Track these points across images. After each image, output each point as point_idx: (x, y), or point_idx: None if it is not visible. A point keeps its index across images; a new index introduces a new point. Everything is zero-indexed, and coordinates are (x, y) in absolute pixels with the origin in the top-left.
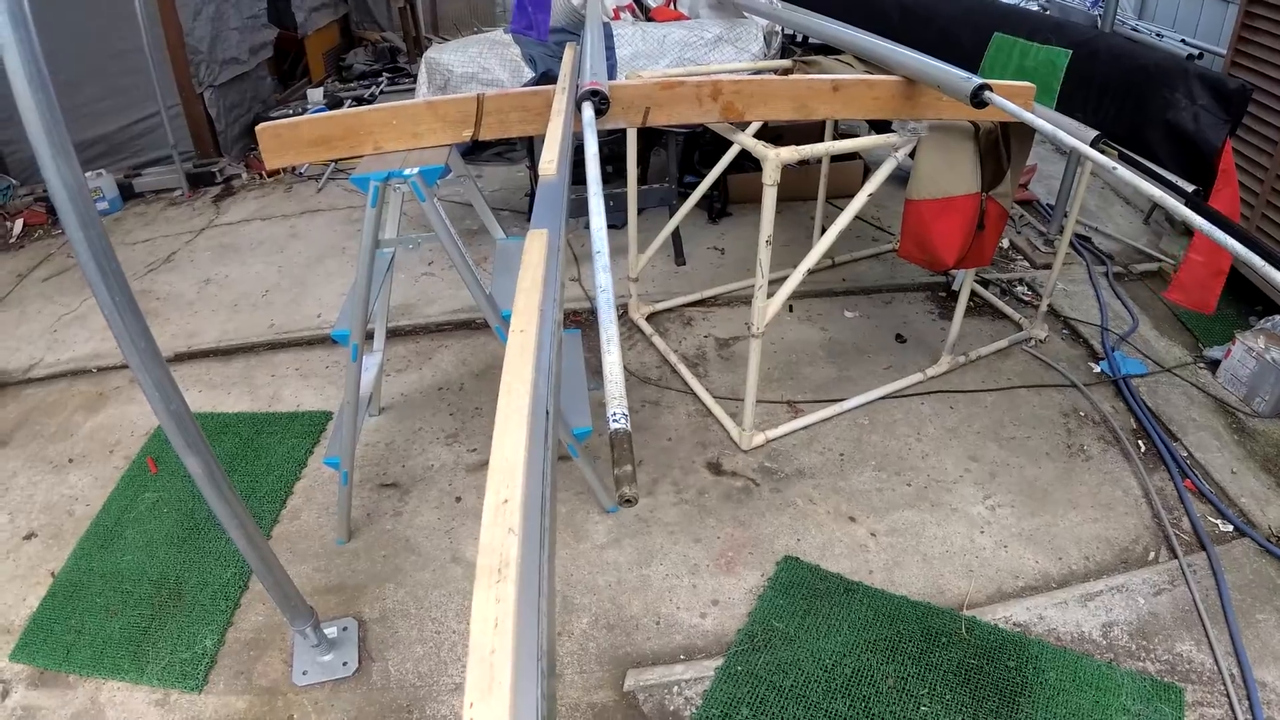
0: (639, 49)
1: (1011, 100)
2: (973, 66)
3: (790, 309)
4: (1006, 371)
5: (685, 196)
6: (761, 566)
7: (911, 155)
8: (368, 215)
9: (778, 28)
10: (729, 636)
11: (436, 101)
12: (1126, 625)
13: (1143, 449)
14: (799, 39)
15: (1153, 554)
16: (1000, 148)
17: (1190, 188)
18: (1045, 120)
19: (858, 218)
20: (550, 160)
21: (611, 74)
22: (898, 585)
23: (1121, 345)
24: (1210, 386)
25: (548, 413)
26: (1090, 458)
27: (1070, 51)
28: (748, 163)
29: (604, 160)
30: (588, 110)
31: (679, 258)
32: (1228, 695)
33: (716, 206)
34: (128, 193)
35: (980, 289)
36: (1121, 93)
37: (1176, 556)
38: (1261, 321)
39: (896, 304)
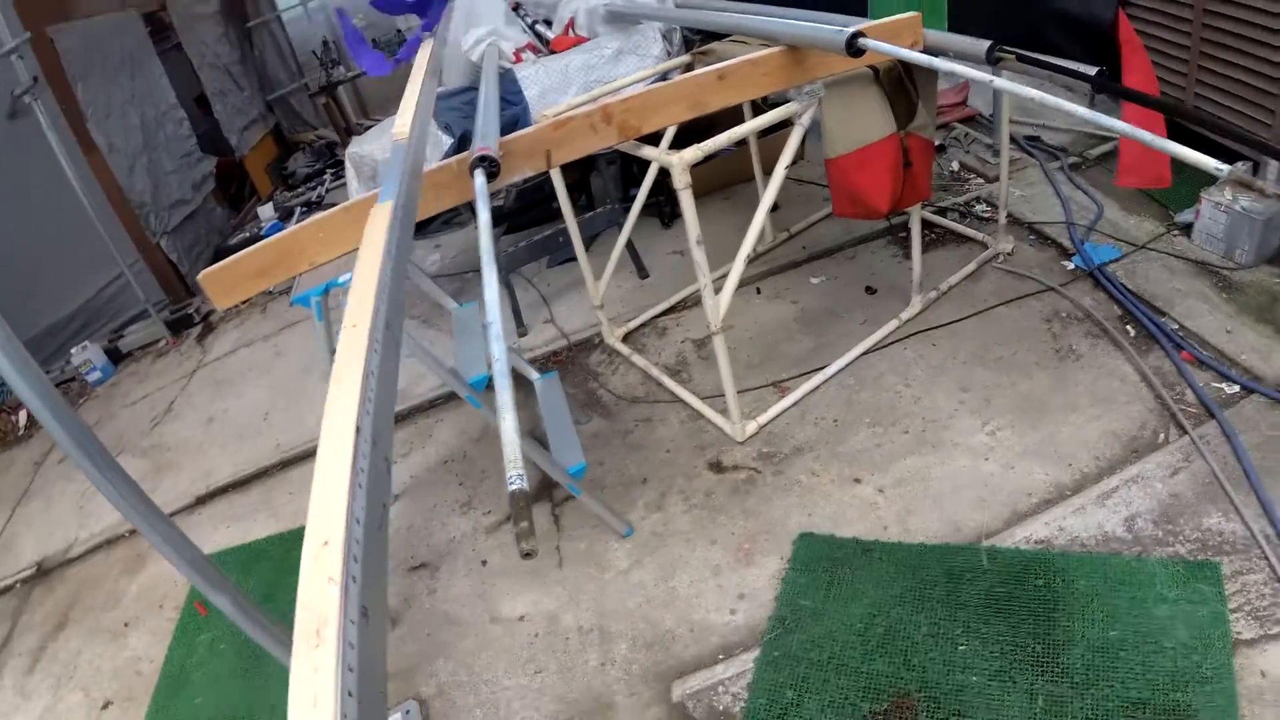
0: (545, 85)
1: (897, 36)
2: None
3: (758, 291)
4: (981, 294)
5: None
6: (779, 550)
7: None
8: (316, 331)
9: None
10: (761, 626)
11: (350, 205)
12: (1149, 514)
13: (1132, 333)
14: (697, 30)
15: (1162, 435)
16: (906, 83)
17: (1094, 70)
18: (937, 42)
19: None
20: (404, 124)
21: (524, 120)
22: (914, 534)
23: (1090, 235)
24: (1189, 251)
25: (359, 430)
26: (1081, 356)
27: None
28: None
29: (569, 189)
30: (479, 178)
31: (641, 271)
32: (1266, 557)
33: (666, 211)
34: (116, 356)
35: (937, 218)
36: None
37: (1186, 432)
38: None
39: (861, 257)
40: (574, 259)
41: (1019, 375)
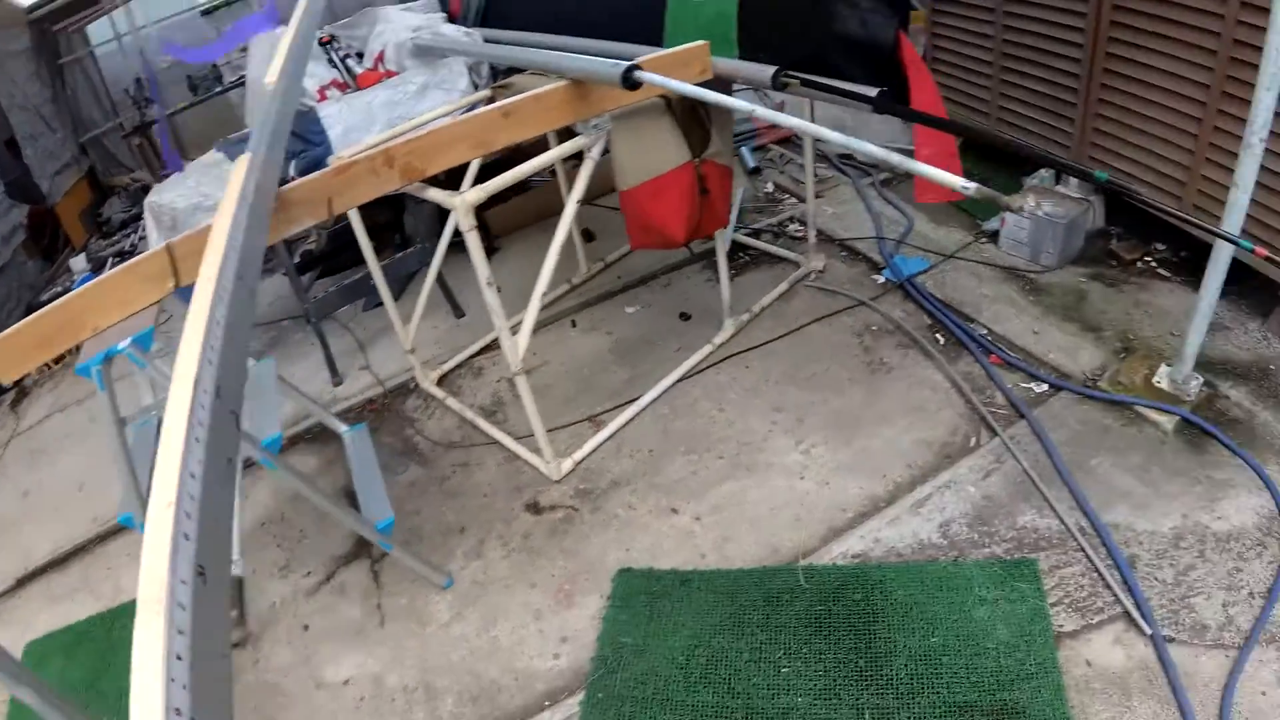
0: (349, 123)
1: (685, 66)
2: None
3: (574, 324)
4: (794, 313)
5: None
6: (599, 588)
7: (608, 149)
8: (100, 401)
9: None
10: (585, 668)
11: (129, 265)
12: (964, 518)
13: (942, 341)
14: None
15: (974, 439)
16: (699, 110)
17: (874, 91)
18: (725, 70)
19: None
20: (275, 70)
21: (322, 161)
22: (731, 559)
23: (901, 249)
24: (996, 258)
25: (197, 382)
26: (892, 368)
27: None
28: (509, 192)
29: (381, 228)
30: None
31: (456, 311)
32: (1082, 549)
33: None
34: None
35: (750, 240)
36: (793, 21)
37: (997, 433)
38: (1028, 180)
39: (676, 283)
40: (379, 304)
41: (832, 392)
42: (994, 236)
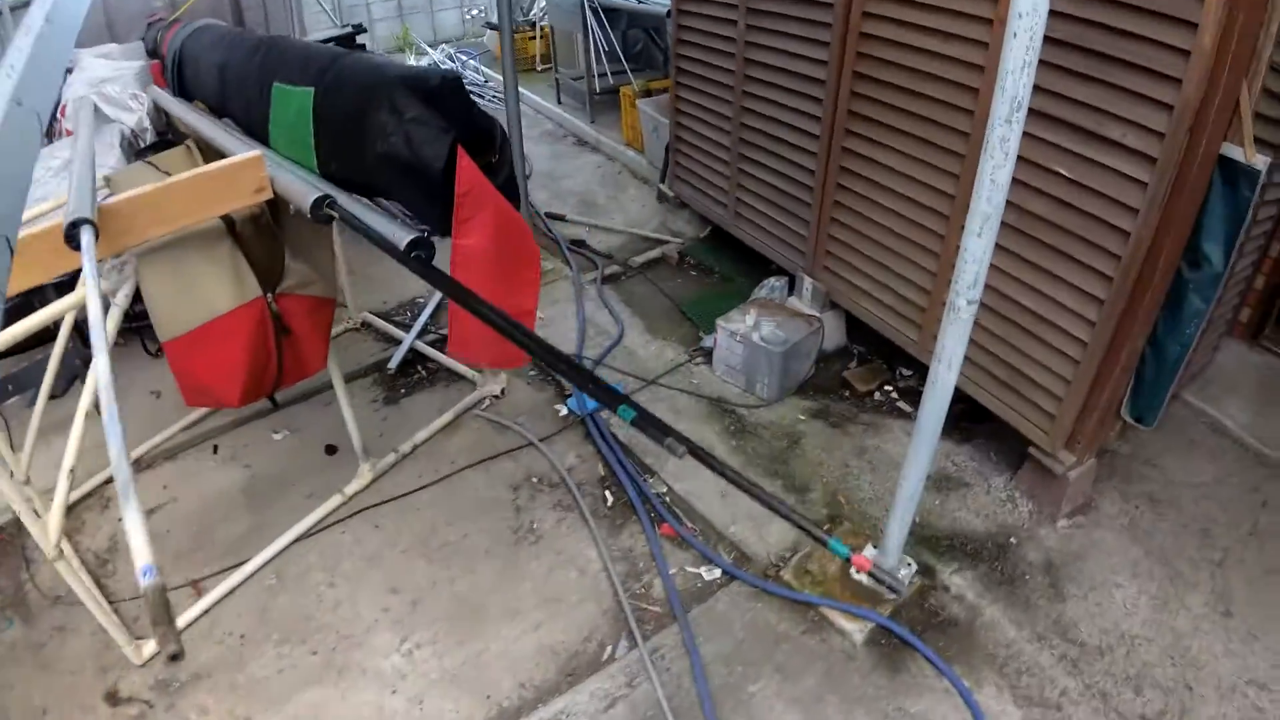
0: None
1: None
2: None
3: (215, 450)
4: (453, 451)
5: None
6: None
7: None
8: None
9: (146, 124)
10: None
11: None
12: None
13: (610, 501)
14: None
15: (610, 649)
16: (274, 231)
17: (416, 234)
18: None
19: None
20: None
21: None
22: None
23: (598, 369)
24: (707, 385)
25: None
26: (541, 538)
27: (312, 89)
28: None
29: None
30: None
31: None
32: None
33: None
34: None
35: (432, 350)
36: (347, 132)
37: (638, 644)
38: (756, 290)
39: (335, 402)
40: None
41: (462, 568)
42: (711, 356)
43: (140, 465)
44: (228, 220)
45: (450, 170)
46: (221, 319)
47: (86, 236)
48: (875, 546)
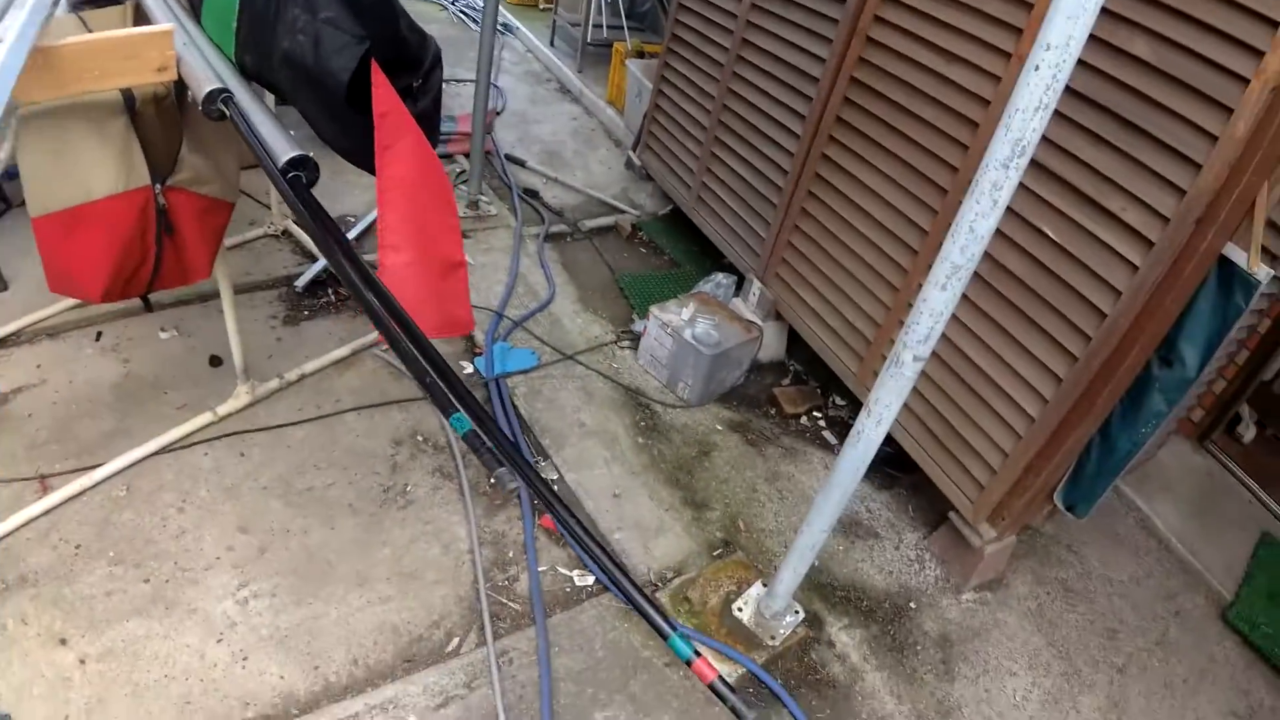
0: None
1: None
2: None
3: (99, 336)
4: (341, 389)
5: None
6: None
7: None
8: None
9: None
10: None
11: None
12: None
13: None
14: None
15: (457, 640)
16: (177, 117)
17: (299, 153)
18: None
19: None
20: None
21: None
22: None
23: (515, 332)
24: (626, 373)
25: None
26: (411, 503)
27: None
28: None
29: None
30: None
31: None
32: None
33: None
34: None
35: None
36: (265, 22)
37: (487, 642)
38: (701, 283)
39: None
40: None
41: (320, 519)
42: (638, 342)
43: (20, 338)
44: (128, 97)
45: (358, 87)
46: (100, 202)
47: None
48: (765, 584)
